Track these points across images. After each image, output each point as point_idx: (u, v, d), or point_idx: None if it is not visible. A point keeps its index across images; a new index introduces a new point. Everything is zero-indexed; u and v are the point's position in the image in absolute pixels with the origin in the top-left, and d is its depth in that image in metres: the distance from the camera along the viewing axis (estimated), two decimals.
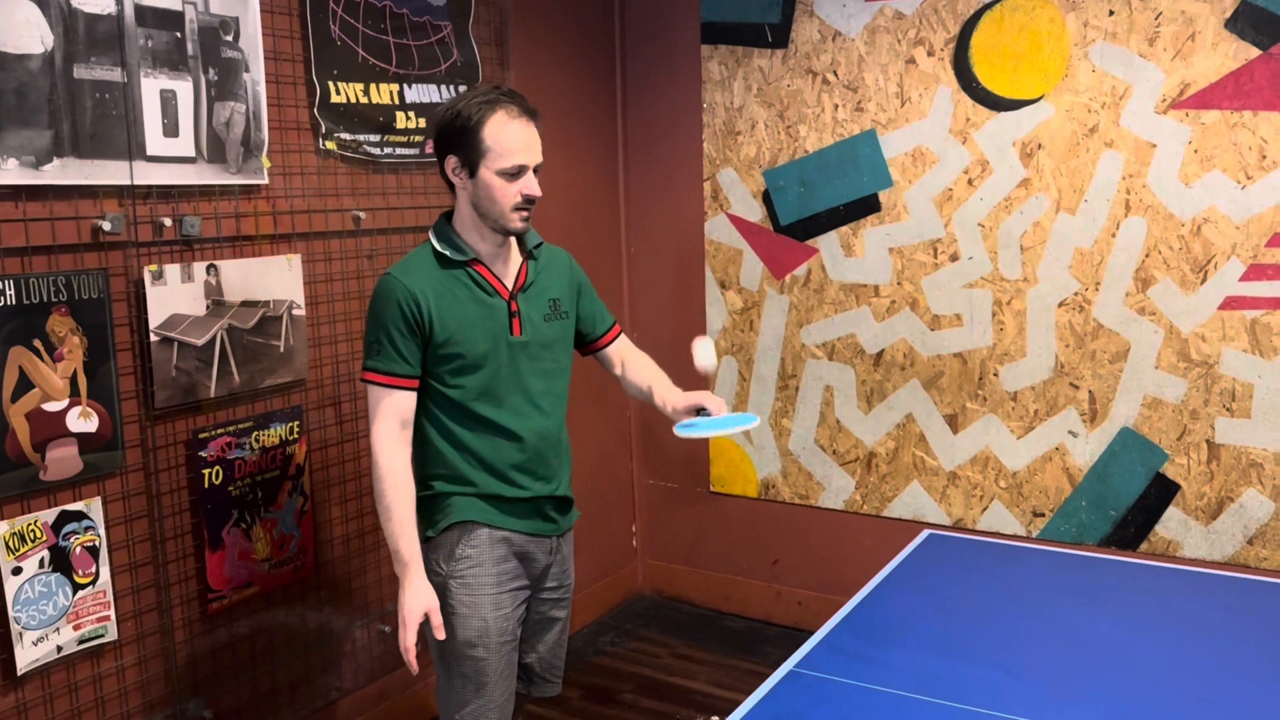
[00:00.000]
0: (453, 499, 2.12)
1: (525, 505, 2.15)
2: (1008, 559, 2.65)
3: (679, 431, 2.15)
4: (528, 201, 2.05)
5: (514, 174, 2.02)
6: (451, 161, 2.06)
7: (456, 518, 2.11)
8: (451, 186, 2.11)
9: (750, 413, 2.20)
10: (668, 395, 2.28)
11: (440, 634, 2.05)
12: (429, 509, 2.15)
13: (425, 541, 2.13)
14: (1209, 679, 1.96)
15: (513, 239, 2.17)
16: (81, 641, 2.30)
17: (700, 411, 2.20)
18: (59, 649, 2.26)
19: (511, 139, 2.01)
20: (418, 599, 2.03)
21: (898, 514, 3.60)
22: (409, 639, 2.03)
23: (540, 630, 2.29)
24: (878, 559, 2.74)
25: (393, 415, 2.05)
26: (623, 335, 2.42)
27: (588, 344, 2.36)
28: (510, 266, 2.15)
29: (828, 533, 3.75)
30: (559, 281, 2.23)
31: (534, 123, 2.07)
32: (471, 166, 2.03)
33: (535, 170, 2.07)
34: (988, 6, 3.21)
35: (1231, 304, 2.99)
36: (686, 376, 3.87)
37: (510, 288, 2.13)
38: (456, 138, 2.03)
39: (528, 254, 2.18)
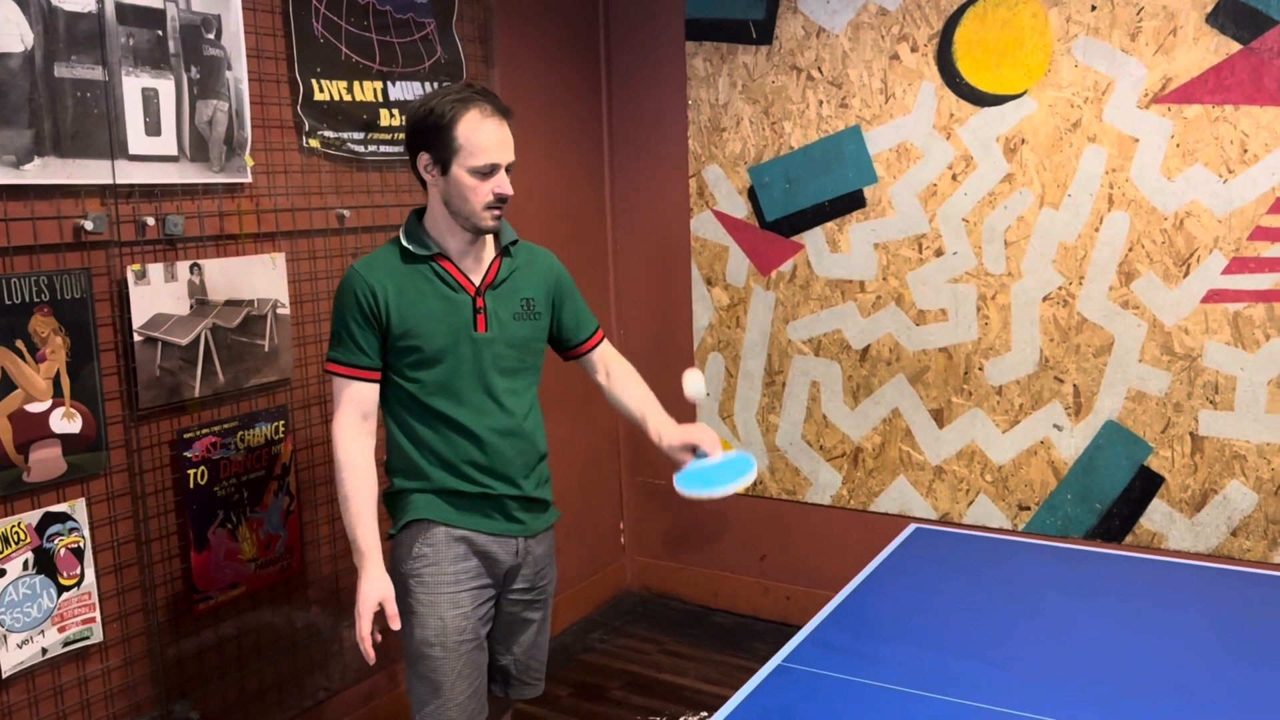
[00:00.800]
0: (411, 496, 2.13)
1: (487, 503, 2.14)
2: (994, 552, 2.66)
3: (681, 488, 2.13)
4: (499, 200, 2.06)
5: (486, 172, 2.03)
6: (424, 158, 2.06)
7: (413, 515, 2.12)
8: (423, 183, 2.11)
9: (748, 454, 2.16)
10: (662, 429, 2.28)
11: (395, 624, 2.05)
12: (391, 506, 2.17)
13: (388, 539, 2.14)
14: (1193, 669, 1.97)
15: (488, 236, 2.16)
16: (67, 644, 2.29)
17: (695, 450, 2.21)
18: (44, 651, 2.25)
19: (484, 138, 2.02)
20: (373, 588, 2.03)
21: (884, 508, 3.61)
22: (364, 628, 2.02)
23: (513, 632, 2.28)
24: (865, 553, 2.74)
25: (353, 406, 2.07)
26: (605, 341, 2.41)
27: (569, 349, 2.35)
28: (480, 263, 2.15)
29: (815, 528, 3.76)
30: (535, 282, 2.22)
31: (507, 122, 2.07)
32: (444, 164, 2.04)
33: (507, 169, 2.07)
34: (971, 2, 3.22)
35: (1214, 297, 3.01)
36: (670, 374, 3.91)
37: (477, 284, 2.12)
38: (429, 135, 2.04)
39: (502, 251, 2.18)
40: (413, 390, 2.10)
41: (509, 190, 2.06)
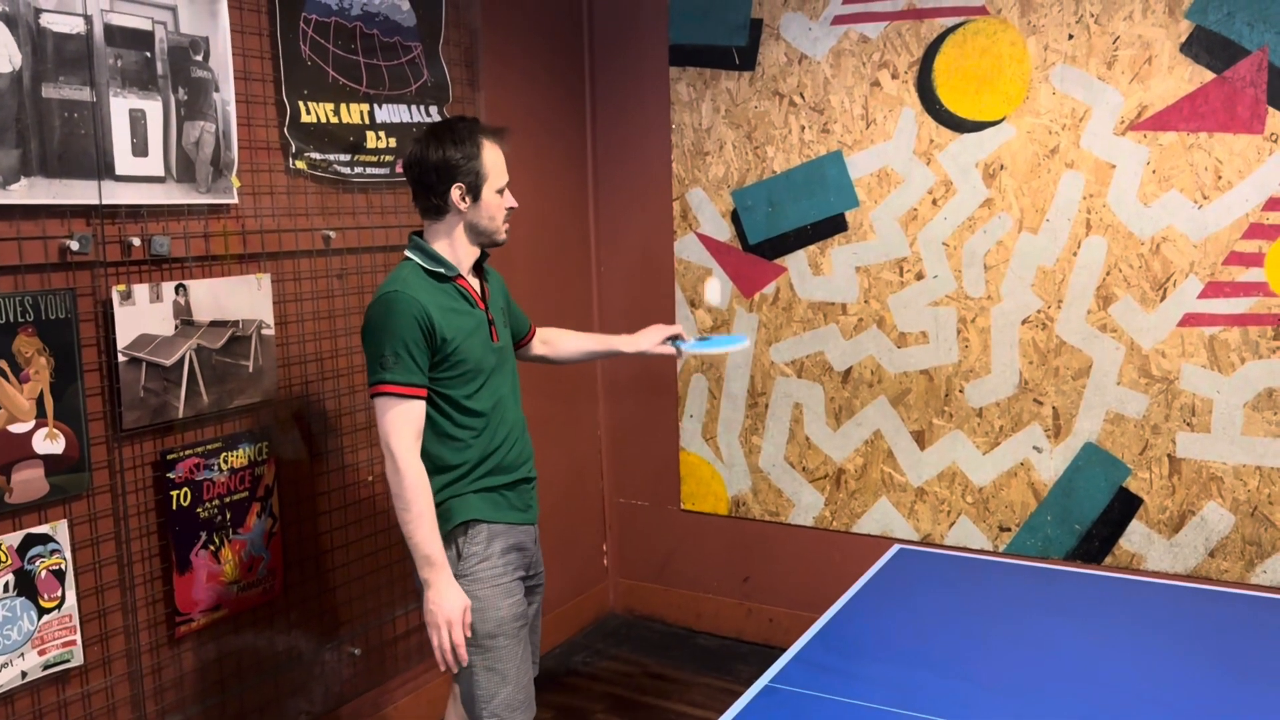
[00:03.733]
0: (449, 504, 2.25)
1: (514, 493, 2.33)
2: (976, 573, 2.68)
3: (688, 349, 2.61)
4: (510, 213, 2.33)
5: (502, 190, 2.29)
6: (458, 190, 2.23)
7: (457, 520, 2.24)
8: (432, 213, 2.26)
9: (739, 334, 2.68)
10: (635, 340, 2.64)
11: (468, 632, 2.20)
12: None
13: None
14: (1173, 688, 1.99)
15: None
16: (47, 667, 2.27)
17: (675, 337, 2.64)
18: (24, 675, 2.22)
19: (501, 161, 2.28)
20: (458, 597, 2.18)
21: (867, 530, 3.63)
22: (459, 636, 2.16)
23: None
24: (848, 575, 2.76)
25: (411, 424, 2.17)
26: (536, 329, 2.69)
27: (517, 344, 2.58)
28: (478, 280, 2.35)
29: (798, 549, 3.77)
30: (501, 291, 2.46)
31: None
32: (475, 191, 2.24)
33: None
34: (950, 30, 3.28)
35: (1190, 321, 3.05)
36: (654, 395, 3.94)
37: (483, 299, 2.33)
38: (462, 169, 2.22)
39: (481, 269, 2.37)
40: (459, 398, 2.23)
41: (516, 203, 2.34)
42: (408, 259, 2.26)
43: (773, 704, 1.96)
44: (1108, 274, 3.15)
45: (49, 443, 2.24)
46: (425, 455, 2.22)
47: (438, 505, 2.23)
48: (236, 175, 2.61)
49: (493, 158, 2.25)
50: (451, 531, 2.24)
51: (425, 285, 2.21)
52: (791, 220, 3.61)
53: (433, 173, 2.21)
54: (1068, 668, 2.08)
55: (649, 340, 2.63)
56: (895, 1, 3.35)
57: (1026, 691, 1.98)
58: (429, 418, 2.22)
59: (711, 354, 2.46)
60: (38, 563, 2.24)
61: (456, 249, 2.28)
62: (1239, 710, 1.90)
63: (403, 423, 2.15)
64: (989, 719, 1.87)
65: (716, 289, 2.60)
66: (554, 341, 2.68)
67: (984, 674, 2.06)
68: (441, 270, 2.24)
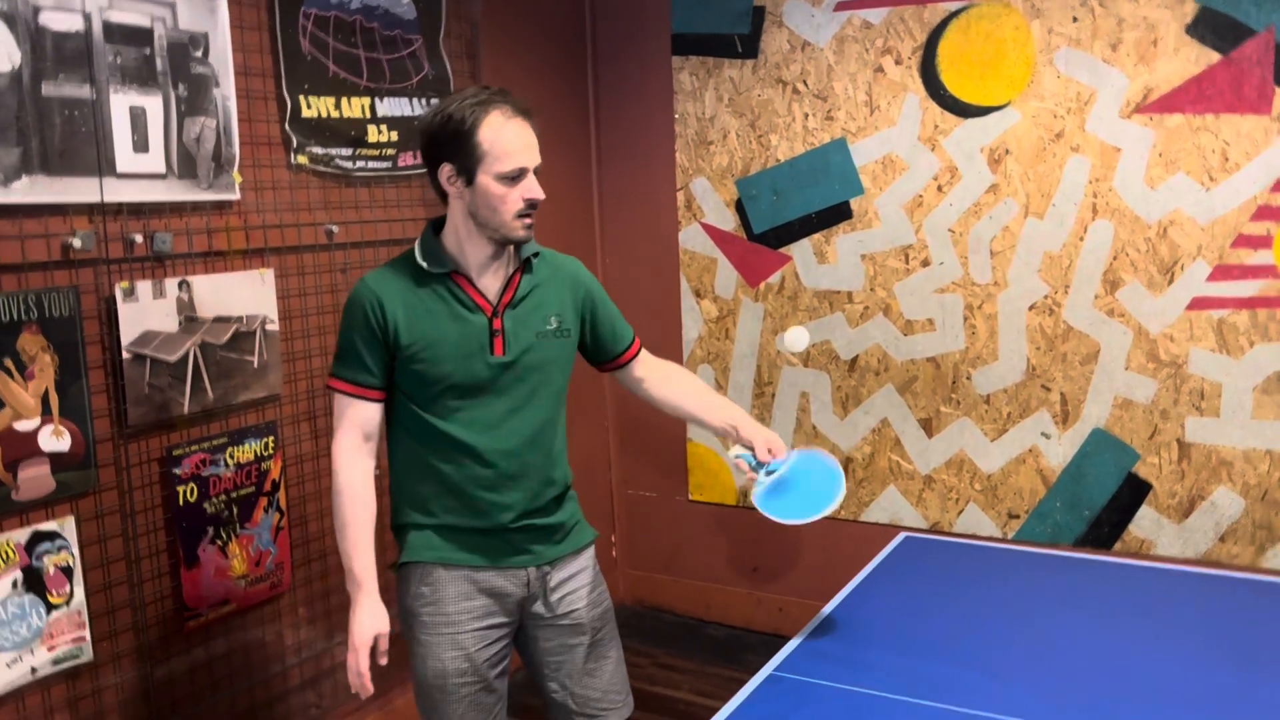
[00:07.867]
0: (411, 534, 2.01)
1: (491, 536, 1.99)
2: (984, 561, 2.67)
3: (758, 496, 2.09)
4: (530, 206, 1.92)
5: (514, 177, 1.89)
6: (446, 170, 1.91)
7: (410, 557, 2.00)
8: (443, 196, 1.96)
9: (824, 461, 2.07)
10: (738, 432, 2.19)
11: (383, 659, 1.96)
12: (399, 538, 2.06)
13: (390, 569, 2.07)
14: (1182, 674, 1.98)
15: (510, 248, 2.00)
16: (56, 663, 2.28)
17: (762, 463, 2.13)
18: (33, 671, 2.24)
19: (510, 140, 1.88)
20: (370, 621, 1.93)
21: (875, 518, 3.62)
22: (362, 663, 1.92)
23: (559, 664, 2.08)
24: (857, 563, 2.75)
25: (355, 426, 1.96)
26: (644, 351, 2.25)
27: (605, 362, 2.20)
28: (499, 279, 1.98)
29: (806, 538, 3.77)
30: (562, 296, 2.05)
31: (530, 122, 1.95)
32: (469, 174, 1.89)
33: (535, 172, 1.94)
34: (954, 15, 3.25)
35: (1199, 304, 3.03)
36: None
37: (495, 303, 1.96)
38: (450, 144, 1.88)
39: (522, 264, 2.00)
40: (422, 414, 1.95)
41: (540, 194, 1.92)
42: (412, 247, 1.99)
43: (777, 692, 1.96)
44: (1115, 258, 3.12)
45: (55, 440, 2.25)
46: (398, 469, 2.01)
47: (402, 527, 2.02)
48: (238, 171, 2.61)
49: (498, 135, 1.86)
50: (409, 565, 2.00)
51: (404, 278, 1.94)
52: (796, 209, 3.60)
53: (426, 144, 1.92)
54: (1077, 654, 2.07)
55: (740, 438, 2.18)
56: None
57: (1035, 678, 1.97)
58: (406, 427, 1.98)
59: (776, 520, 2.03)
60: (45, 559, 2.25)
61: (464, 242, 1.94)
62: (1250, 696, 1.89)
63: (345, 422, 1.95)
64: (995, 707, 1.86)
65: (802, 337, 2.17)
66: (655, 382, 2.24)
67: (991, 661, 2.05)
68: (425, 264, 1.93)
